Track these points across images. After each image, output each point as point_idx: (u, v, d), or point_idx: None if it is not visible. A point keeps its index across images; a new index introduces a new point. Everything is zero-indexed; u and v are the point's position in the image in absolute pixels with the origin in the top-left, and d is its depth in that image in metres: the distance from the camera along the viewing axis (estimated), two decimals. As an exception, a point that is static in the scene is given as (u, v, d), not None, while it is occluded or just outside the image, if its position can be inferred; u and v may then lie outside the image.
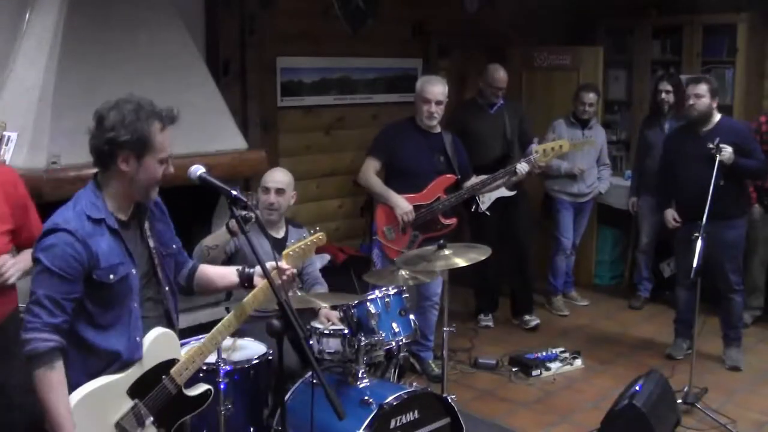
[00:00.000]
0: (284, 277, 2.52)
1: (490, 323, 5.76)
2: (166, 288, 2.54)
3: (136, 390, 2.40)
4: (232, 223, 3.53)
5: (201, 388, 2.61)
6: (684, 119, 4.92)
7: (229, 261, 3.64)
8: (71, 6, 3.99)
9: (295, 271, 2.67)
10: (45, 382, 2.24)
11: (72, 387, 2.30)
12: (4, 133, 4.00)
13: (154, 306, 2.52)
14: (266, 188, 3.88)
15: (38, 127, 3.88)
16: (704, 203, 4.32)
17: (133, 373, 2.40)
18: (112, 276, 2.32)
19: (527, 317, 5.70)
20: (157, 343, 2.45)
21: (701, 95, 4.62)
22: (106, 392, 2.35)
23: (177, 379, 2.48)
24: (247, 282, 2.64)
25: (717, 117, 4.71)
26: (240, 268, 2.70)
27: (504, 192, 5.26)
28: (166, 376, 2.46)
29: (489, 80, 5.46)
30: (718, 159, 4.38)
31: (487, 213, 5.23)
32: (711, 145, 4.43)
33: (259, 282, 2.59)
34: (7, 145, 3.97)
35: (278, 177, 3.91)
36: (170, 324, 2.55)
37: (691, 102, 4.67)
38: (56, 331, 2.25)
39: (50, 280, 2.25)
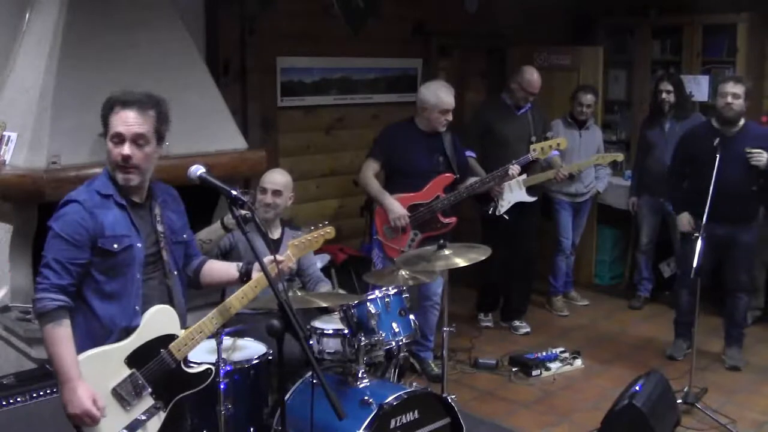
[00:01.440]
0: (280, 266, 2.70)
1: (490, 323, 5.76)
2: (174, 272, 2.67)
3: (133, 359, 2.51)
4: (227, 219, 3.57)
5: (202, 366, 2.69)
6: (716, 117, 4.70)
7: (223, 258, 3.65)
8: (71, 6, 3.98)
9: (291, 264, 2.95)
10: (53, 336, 2.42)
11: (77, 351, 2.44)
12: (4, 133, 4.00)
13: (158, 286, 2.62)
14: (264, 189, 3.90)
15: (38, 127, 3.87)
16: (729, 205, 4.29)
17: (131, 343, 2.51)
18: (116, 245, 2.51)
19: (517, 323, 5.67)
20: (158, 317, 2.56)
21: (739, 95, 4.53)
22: (104, 359, 2.47)
23: (176, 354, 2.58)
24: (245, 276, 2.82)
25: (742, 120, 4.63)
26: (240, 264, 2.88)
27: (525, 197, 5.21)
28: (165, 349, 2.56)
29: (524, 84, 5.26)
30: (752, 164, 4.38)
31: (506, 217, 5.13)
32: (748, 150, 4.42)
33: (256, 275, 2.78)
34: (7, 145, 3.97)
35: (276, 178, 3.93)
36: (172, 306, 2.64)
37: (728, 101, 4.53)
38: (63, 292, 2.44)
39: (59, 244, 2.45)
